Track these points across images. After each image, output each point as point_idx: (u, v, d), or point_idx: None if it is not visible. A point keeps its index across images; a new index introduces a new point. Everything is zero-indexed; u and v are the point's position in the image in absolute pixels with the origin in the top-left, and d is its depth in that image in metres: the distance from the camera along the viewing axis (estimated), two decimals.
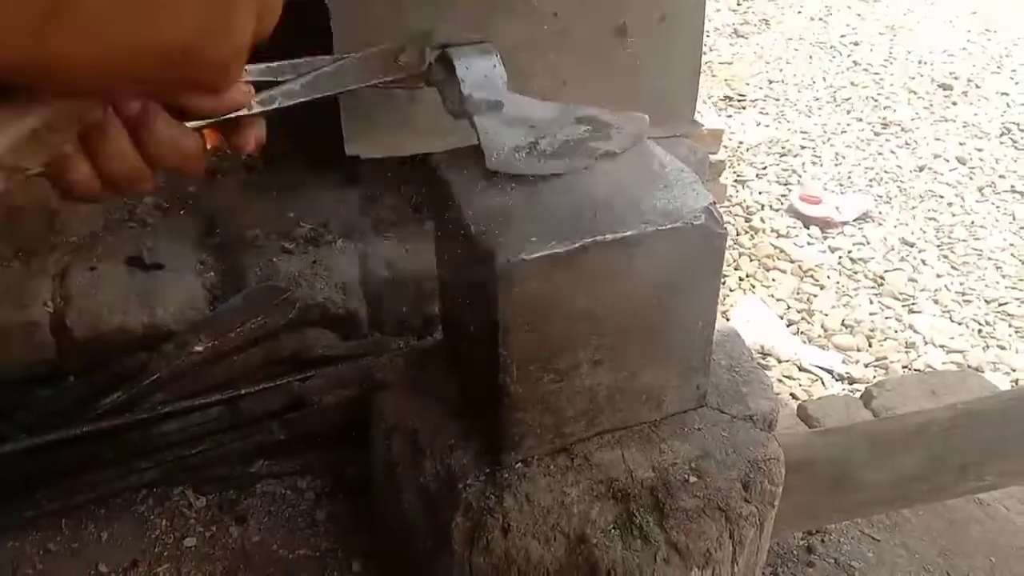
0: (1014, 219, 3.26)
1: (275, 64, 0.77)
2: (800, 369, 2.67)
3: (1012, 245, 3.13)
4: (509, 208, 0.85)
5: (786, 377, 2.62)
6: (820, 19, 4.84)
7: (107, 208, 1.60)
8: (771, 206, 3.30)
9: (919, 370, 2.68)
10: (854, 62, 4.38)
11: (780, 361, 2.68)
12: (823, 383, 2.65)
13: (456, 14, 1.51)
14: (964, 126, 3.86)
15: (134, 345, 1.34)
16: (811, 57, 4.43)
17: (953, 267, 3.06)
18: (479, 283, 0.84)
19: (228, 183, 1.72)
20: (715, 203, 0.85)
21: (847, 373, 2.67)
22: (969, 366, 2.66)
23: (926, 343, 2.79)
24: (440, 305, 1.11)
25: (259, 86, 0.75)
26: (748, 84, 4.16)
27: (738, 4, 4.95)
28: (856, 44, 4.56)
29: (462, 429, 0.97)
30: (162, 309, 1.39)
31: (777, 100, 4.05)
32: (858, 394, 2.34)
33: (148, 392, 1.25)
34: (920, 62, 4.38)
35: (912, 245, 3.15)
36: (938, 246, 3.16)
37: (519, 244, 0.80)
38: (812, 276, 2.99)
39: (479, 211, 0.85)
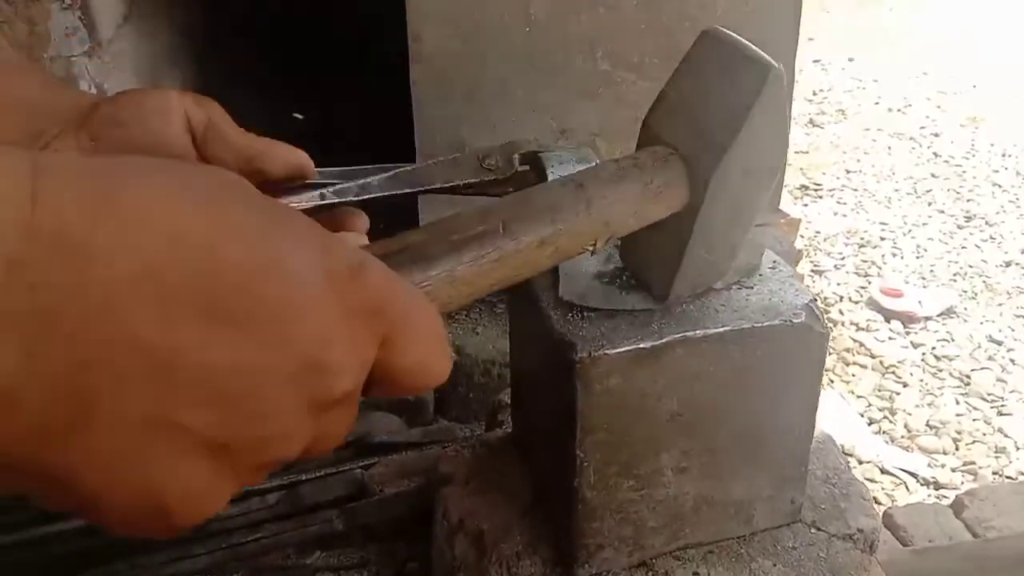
0: None
1: (355, 168, 0.75)
2: (882, 472, 2.53)
3: None
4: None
5: (868, 479, 2.49)
6: (899, 110, 4.77)
7: None
8: (850, 298, 3.20)
9: (1011, 477, 2.53)
10: (934, 154, 4.29)
11: (860, 462, 2.56)
12: (907, 487, 2.51)
13: (536, 100, 1.50)
14: None
15: None
16: (890, 148, 4.36)
17: None
18: (555, 377, 0.79)
19: None
20: (815, 300, 0.79)
21: (933, 477, 2.53)
22: None
23: (1017, 448, 2.64)
24: (512, 395, 1.06)
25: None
26: (824, 174, 4.09)
27: (814, 94, 4.92)
28: (936, 135, 4.47)
29: (531, 533, 0.90)
30: None
31: (855, 190, 3.97)
32: (946, 501, 2.21)
33: None
34: (1004, 155, 4.27)
35: (1000, 343, 3.01)
36: None
37: (601, 337, 0.75)
38: (894, 373, 2.86)
39: (558, 300, 0.80)
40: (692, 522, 0.84)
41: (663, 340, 0.75)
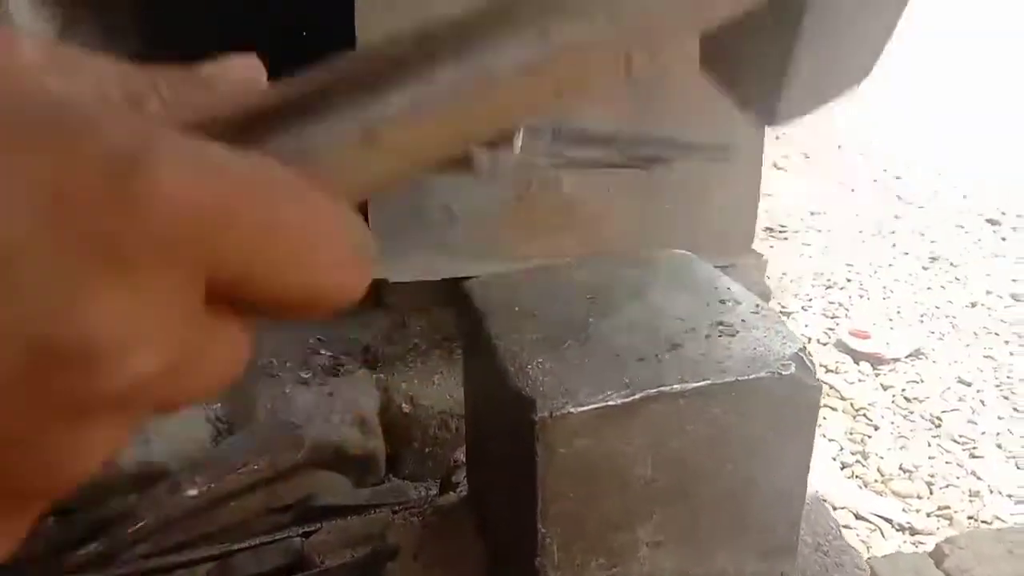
0: None
1: None
2: (857, 517, 2.46)
3: None
4: (554, 346, 0.71)
5: (843, 526, 2.41)
6: (861, 154, 4.81)
7: None
8: (819, 340, 3.16)
9: (986, 521, 2.47)
10: (898, 196, 4.31)
11: (835, 508, 2.48)
12: (882, 533, 2.44)
13: None
14: (1016, 261, 3.74)
15: (124, 484, 1.20)
16: (853, 190, 4.38)
17: (1015, 409, 2.87)
18: (514, 438, 0.70)
19: None
20: (805, 349, 0.71)
21: (908, 523, 2.46)
22: None
23: (991, 492, 2.58)
24: (467, 455, 0.96)
25: None
26: (790, 216, 4.09)
27: (777, 138, 4.94)
28: (898, 178, 4.50)
29: None
30: (160, 442, 1.25)
31: (819, 232, 3.96)
32: (923, 547, 2.14)
33: (131, 542, 1.09)
34: (964, 197, 4.32)
35: (969, 384, 2.98)
36: (997, 386, 2.99)
37: (565, 393, 0.67)
38: (865, 415, 2.81)
39: (517, 349, 0.71)
40: None
41: (635, 395, 0.66)
